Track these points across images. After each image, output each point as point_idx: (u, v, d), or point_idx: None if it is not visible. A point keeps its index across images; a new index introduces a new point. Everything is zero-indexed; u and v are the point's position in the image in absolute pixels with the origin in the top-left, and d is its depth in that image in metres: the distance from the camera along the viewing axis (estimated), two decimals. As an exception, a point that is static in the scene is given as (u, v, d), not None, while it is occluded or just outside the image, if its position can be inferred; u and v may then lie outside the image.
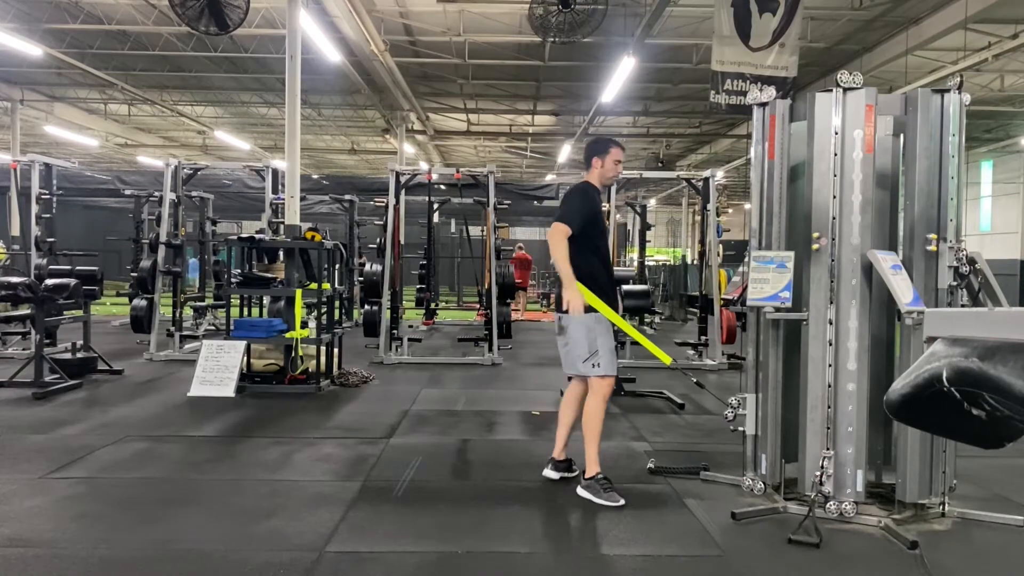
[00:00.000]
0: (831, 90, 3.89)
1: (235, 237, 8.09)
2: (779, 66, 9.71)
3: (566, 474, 4.35)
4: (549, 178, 26.11)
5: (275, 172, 9.93)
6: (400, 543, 3.42)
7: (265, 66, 15.04)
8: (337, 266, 9.09)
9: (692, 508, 3.94)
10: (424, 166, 13.88)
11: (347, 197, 14.04)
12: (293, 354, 7.00)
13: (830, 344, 3.84)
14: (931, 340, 1.55)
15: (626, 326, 4.33)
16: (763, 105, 4.13)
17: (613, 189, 9.67)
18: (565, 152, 21.51)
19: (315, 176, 20.73)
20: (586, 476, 4.10)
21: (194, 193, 10.90)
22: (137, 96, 16.79)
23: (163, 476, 4.40)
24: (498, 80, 15.87)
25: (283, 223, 9.13)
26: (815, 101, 3.92)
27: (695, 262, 13.78)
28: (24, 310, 8.05)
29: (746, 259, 4.12)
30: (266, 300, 8.33)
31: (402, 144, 19.42)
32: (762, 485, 4.08)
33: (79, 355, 7.65)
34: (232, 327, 7.26)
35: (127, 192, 13.90)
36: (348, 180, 19.61)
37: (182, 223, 9.34)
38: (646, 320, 13.76)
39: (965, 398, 1.41)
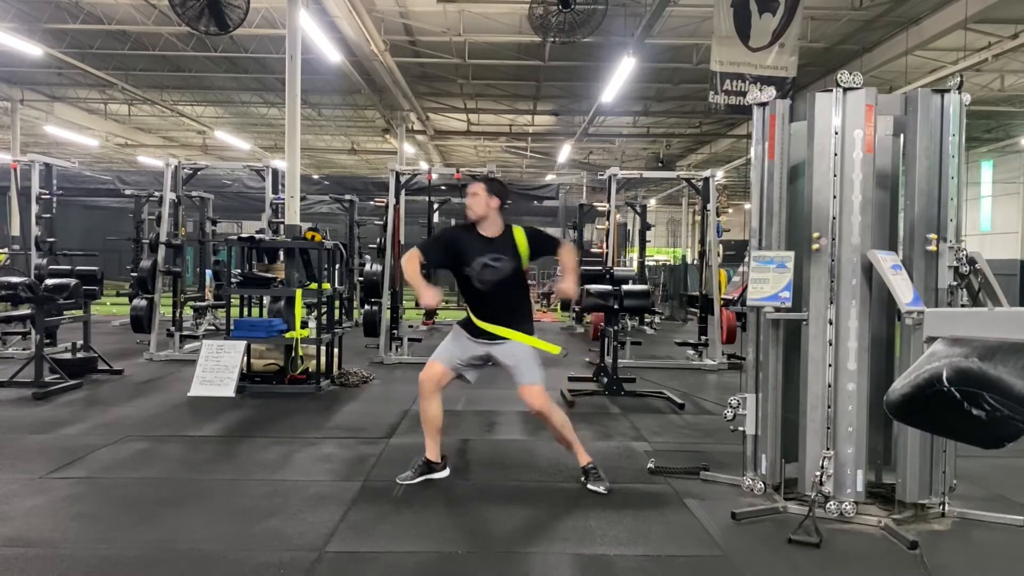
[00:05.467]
0: (831, 90, 3.88)
1: (235, 237, 8.09)
2: (779, 66, 9.71)
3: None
4: (549, 178, 26.11)
5: (275, 172, 9.93)
6: (400, 543, 3.42)
7: (265, 66, 15.04)
8: (337, 266, 9.08)
9: (692, 508, 3.94)
10: (424, 166, 13.89)
11: (347, 197, 14.04)
12: (293, 354, 7.00)
13: (830, 344, 3.84)
14: (931, 340, 1.55)
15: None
16: (763, 105, 4.12)
17: (613, 189, 9.66)
18: (565, 152, 21.51)
19: (315, 176, 20.74)
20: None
21: (194, 193, 10.89)
22: (137, 96, 16.78)
23: (163, 476, 4.40)
24: (498, 80, 15.87)
25: (283, 223, 9.13)
26: (815, 101, 3.92)
27: (695, 262, 13.78)
28: (24, 310, 8.05)
29: (746, 259, 4.12)
30: (266, 300, 8.33)
31: (402, 144, 19.42)
32: (762, 485, 4.08)
33: (79, 355, 7.65)
34: (232, 327, 7.27)
35: (127, 192, 13.90)
36: (348, 180, 19.64)
37: (182, 223, 9.34)
38: (646, 320, 13.78)
39: (965, 398, 1.41)
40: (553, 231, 21.90)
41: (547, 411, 4.21)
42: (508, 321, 4.18)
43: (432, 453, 4.34)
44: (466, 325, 4.29)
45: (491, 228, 4.23)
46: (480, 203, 4.20)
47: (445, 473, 4.38)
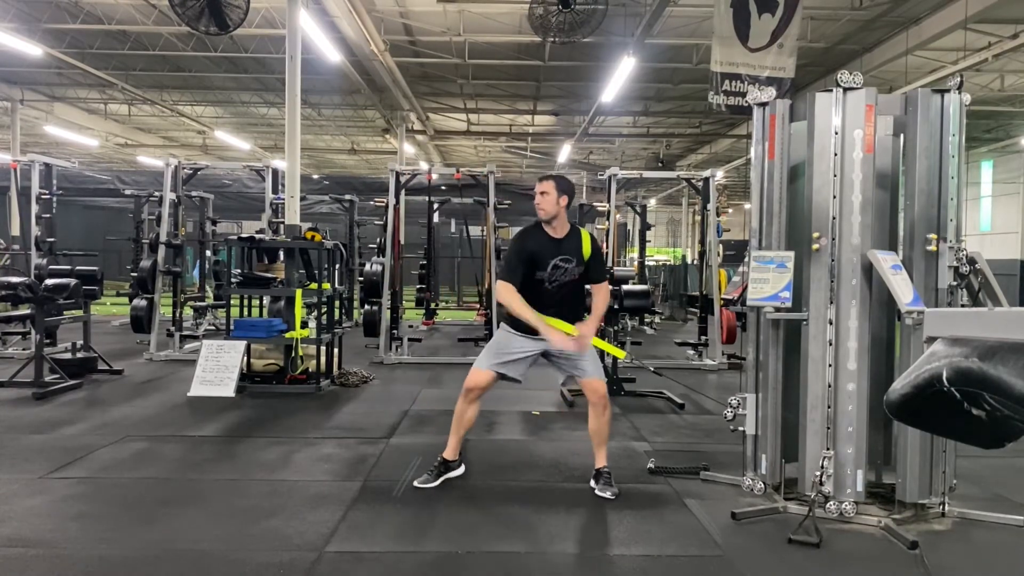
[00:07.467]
0: (831, 90, 3.89)
1: (235, 237, 8.09)
2: (777, 67, 9.70)
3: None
4: (549, 178, 26.06)
5: (275, 172, 9.93)
6: (400, 543, 3.42)
7: (265, 66, 15.03)
8: (337, 266, 9.08)
9: (692, 508, 3.95)
10: (424, 166, 13.89)
11: (347, 197, 14.04)
12: (293, 354, 7.00)
13: (830, 344, 3.84)
14: (931, 340, 1.55)
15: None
16: (763, 105, 4.12)
17: (613, 189, 9.66)
18: (565, 152, 21.50)
19: (315, 176, 20.73)
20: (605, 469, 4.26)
21: (194, 193, 10.89)
22: (137, 96, 16.78)
23: (163, 476, 4.40)
24: (498, 80, 15.86)
25: (283, 223, 9.13)
26: (815, 101, 3.92)
27: (695, 262, 13.78)
28: (24, 310, 8.05)
29: (746, 259, 4.12)
30: (266, 300, 8.33)
31: (402, 144, 19.41)
32: (762, 485, 4.08)
33: (79, 355, 7.65)
34: (232, 327, 7.27)
35: (127, 192, 13.89)
36: (348, 180, 19.63)
37: (182, 223, 9.35)
38: (646, 320, 13.78)
39: (965, 398, 1.41)
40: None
41: (607, 403, 4.20)
42: (572, 320, 4.14)
43: (451, 452, 4.34)
44: (519, 324, 4.13)
45: (559, 228, 4.14)
46: (551, 202, 4.07)
47: (461, 470, 4.38)
